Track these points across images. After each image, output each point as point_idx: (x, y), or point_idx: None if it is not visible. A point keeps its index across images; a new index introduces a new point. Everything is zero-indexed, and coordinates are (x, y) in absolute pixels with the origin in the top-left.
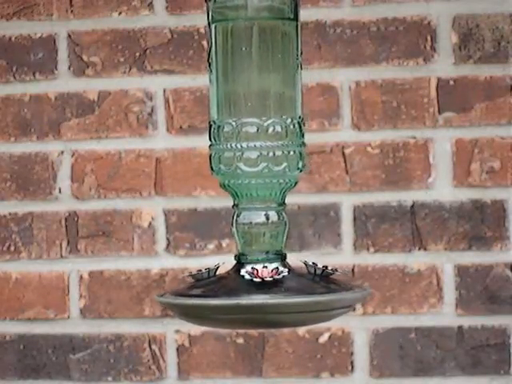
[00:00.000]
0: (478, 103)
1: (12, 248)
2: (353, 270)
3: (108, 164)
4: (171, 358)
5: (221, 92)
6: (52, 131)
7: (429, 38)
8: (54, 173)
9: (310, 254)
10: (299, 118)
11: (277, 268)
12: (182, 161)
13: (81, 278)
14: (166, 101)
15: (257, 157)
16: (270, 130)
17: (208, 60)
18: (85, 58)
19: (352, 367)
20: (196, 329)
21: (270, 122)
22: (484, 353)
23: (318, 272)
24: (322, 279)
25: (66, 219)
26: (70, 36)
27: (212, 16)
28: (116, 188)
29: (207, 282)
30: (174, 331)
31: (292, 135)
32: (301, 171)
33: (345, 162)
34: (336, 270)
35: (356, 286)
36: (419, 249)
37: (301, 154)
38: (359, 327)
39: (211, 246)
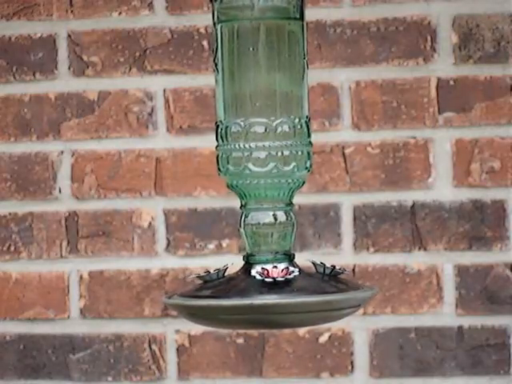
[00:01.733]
0: (478, 103)
1: (12, 248)
2: (353, 270)
3: (108, 164)
4: (171, 358)
5: (228, 92)
6: (52, 131)
7: (429, 38)
8: (54, 173)
9: (310, 253)
10: (306, 117)
11: (287, 268)
12: (182, 161)
13: (81, 277)
14: (166, 101)
15: (265, 157)
16: (279, 129)
17: (214, 60)
18: (85, 58)
19: (352, 367)
20: (196, 329)
21: (278, 121)
22: (484, 353)
23: (327, 272)
24: (331, 279)
25: (66, 219)
26: (70, 36)
27: (218, 16)
28: (116, 188)
29: (216, 283)
30: (174, 331)
31: (300, 135)
32: (308, 171)
33: (345, 162)
34: (344, 269)
35: (363, 286)
36: (419, 249)
37: (308, 153)
38: (359, 327)
39: (211, 246)
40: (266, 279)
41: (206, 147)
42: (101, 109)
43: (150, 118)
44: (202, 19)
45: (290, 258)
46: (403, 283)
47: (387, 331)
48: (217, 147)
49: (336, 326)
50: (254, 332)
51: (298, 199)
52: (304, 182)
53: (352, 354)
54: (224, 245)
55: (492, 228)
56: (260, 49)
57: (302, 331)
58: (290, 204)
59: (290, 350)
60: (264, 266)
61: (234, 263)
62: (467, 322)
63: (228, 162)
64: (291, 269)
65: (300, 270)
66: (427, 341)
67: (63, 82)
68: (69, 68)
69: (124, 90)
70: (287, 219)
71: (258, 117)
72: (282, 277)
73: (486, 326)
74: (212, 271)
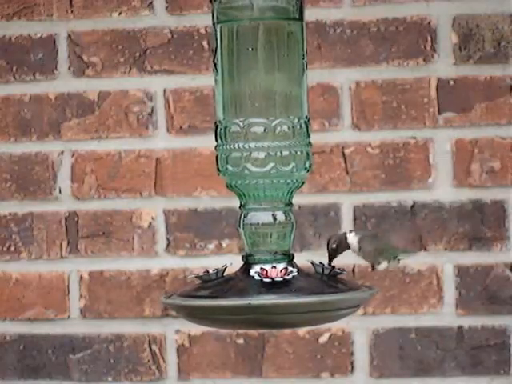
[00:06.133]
0: (478, 103)
1: (12, 248)
2: (353, 270)
3: (108, 164)
4: (171, 358)
5: (227, 92)
6: (52, 131)
7: (429, 38)
8: (54, 173)
9: (310, 254)
10: (306, 117)
11: (286, 268)
12: (182, 161)
13: (81, 278)
14: (166, 101)
15: (264, 157)
16: (278, 130)
17: (213, 61)
18: (85, 58)
19: (352, 367)
20: (196, 329)
21: (277, 122)
22: (484, 353)
23: (326, 272)
24: (330, 279)
25: (66, 219)
26: (70, 36)
27: (217, 17)
28: (116, 188)
29: (215, 283)
30: (174, 331)
31: (299, 135)
32: (308, 171)
33: (345, 162)
34: (343, 269)
35: (363, 286)
36: (419, 249)
37: (308, 153)
38: (359, 327)
39: (211, 247)
40: (265, 279)
41: (206, 147)
42: (101, 109)
43: (149, 118)
44: (202, 19)
45: (289, 258)
46: (403, 283)
47: (387, 331)
48: (216, 147)
49: (336, 326)
50: (254, 332)
51: (298, 199)
52: (303, 183)
53: (352, 354)
54: (224, 245)
55: (492, 228)
56: (259, 49)
57: (301, 331)
58: (290, 204)
59: (290, 350)
60: (263, 266)
61: (232, 263)
62: (467, 322)
63: (227, 162)
64: (290, 269)
65: (299, 271)
66: (427, 341)
67: (63, 82)
68: (69, 68)
69: (124, 90)
70: (286, 219)
71: (257, 117)
72: (281, 277)
73: (486, 326)
74: (211, 271)
